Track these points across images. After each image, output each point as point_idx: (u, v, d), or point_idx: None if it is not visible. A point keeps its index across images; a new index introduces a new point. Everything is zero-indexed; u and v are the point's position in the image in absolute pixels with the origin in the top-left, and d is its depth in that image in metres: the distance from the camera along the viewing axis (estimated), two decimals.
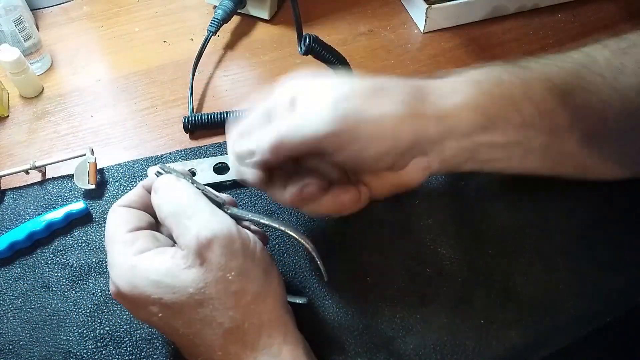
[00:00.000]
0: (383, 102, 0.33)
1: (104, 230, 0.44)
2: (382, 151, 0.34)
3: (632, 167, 0.42)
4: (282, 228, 0.35)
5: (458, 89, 0.36)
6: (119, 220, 0.34)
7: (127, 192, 0.47)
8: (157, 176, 0.35)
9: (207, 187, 0.35)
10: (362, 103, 0.33)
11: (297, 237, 0.35)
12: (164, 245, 0.33)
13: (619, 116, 0.38)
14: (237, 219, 0.35)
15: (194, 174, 0.47)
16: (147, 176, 0.47)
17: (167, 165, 0.36)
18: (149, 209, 0.35)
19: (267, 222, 0.35)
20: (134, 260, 0.31)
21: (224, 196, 0.36)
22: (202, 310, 0.30)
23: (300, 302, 0.38)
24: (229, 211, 0.35)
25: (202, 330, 0.31)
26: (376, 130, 0.33)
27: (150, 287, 0.30)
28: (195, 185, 0.34)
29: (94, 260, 0.43)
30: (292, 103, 0.34)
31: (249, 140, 0.35)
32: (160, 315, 0.31)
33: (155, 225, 0.36)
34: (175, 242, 0.33)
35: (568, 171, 0.41)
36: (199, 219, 0.31)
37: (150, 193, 0.35)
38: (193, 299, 0.30)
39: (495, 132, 0.37)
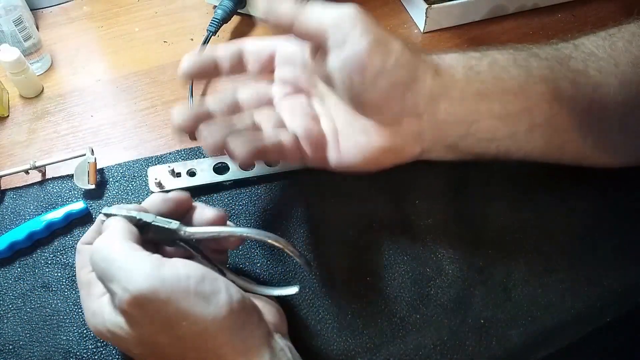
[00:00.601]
0: (384, 31, 0.35)
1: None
2: (383, 64, 0.34)
3: (636, 150, 0.41)
4: (245, 234, 0.35)
5: (449, 54, 0.37)
6: (82, 261, 0.35)
7: (127, 192, 0.47)
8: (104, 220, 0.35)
9: (158, 217, 0.34)
10: (366, 16, 0.35)
11: (264, 239, 0.35)
12: None
13: (616, 90, 0.37)
14: (196, 238, 0.35)
15: (193, 174, 0.47)
16: (148, 176, 0.47)
17: (118, 206, 0.35)
18: None
19: (228, 233, 0.35)
20: (94, 305, 0.33)
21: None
22: (156, 353, 0.31)
23: (292, 293, 0.36)
24: (185, 234, 0.34)
25: None
26: (381, 37, 0.34)
27: (108, 334, 0.32)
28: (142, 221, 0.34)
29: None
30: None
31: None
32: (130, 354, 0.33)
33: None
34: None
35: (572, 153, 0.40)
36: (119, 281, 0.30)
37: None
38: (144, 347, 0.31)
39: (492, 100, 0.36)
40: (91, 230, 0.37)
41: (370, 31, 0.34)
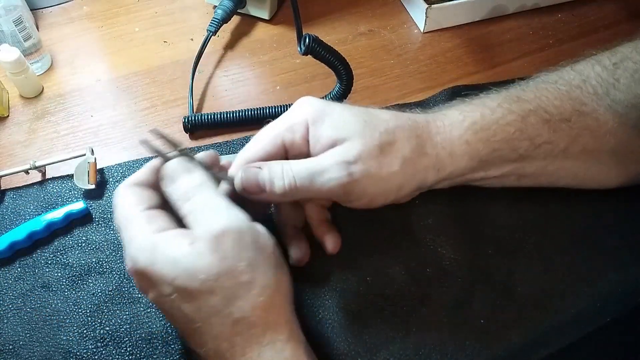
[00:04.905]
0: (391, 162, 0.37)
1: (104, 230, 0.45)
2: (386, 201, 0.38)
3: (628, 175, 0.42)
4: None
5: (456, 136, 0.39)
6: (133, 199, 0.34)
7: None
8: (160, 157, 0.35)
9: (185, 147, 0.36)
10: (371, 164, 0.36)
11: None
12: (179, 227, 0.33)
13: (613, 130, 0.39)
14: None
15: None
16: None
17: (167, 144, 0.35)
18: (158, 189, 0.36)
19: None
20: (154, 237, 0.32)
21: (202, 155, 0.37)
22: (213, 298, 0.31)
23: None
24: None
25: (210, 319, 0.31)
26: (384, 187, 0.37)
27: (168, 265, 0.31)
28: (191, 161, 0.35)
29: (94, 260, 0.43)
30: (306, 132, 0.37)
31: (261, 174, 0.36)
32: (172, 297, 0.31)
33: (166, 204, 0.36)
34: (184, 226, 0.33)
35: (565, 183, 0.43)
36: (211, 212, 0.32)
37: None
38: (205, 286, 0.31)
39: (490, 169, 0.40)
40: (141, 173, 0.36)
41: (371, 194, 0.37)
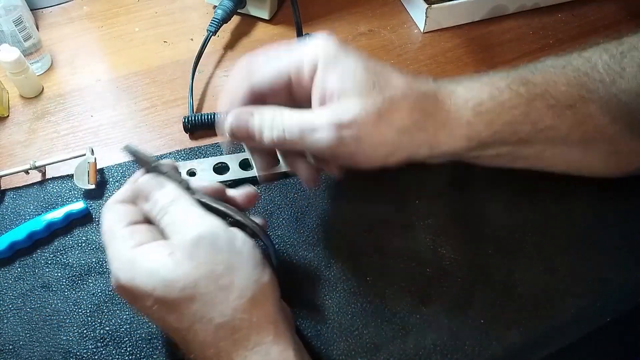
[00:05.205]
0: (386, 130, 0.36)
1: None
2: (372, 166, 0.37)
3: (625, 165, 0.42)
4: (231, 213, 0.36)
5: (459, 116, 0.38)
6: (116, 216, 0.34)
7: None
8: (134, 160, 0.35)
9: (161, 162, 0.35)
10: (365, 130, 0.35)
11: (244, 221, 0.36)
12: (161, 239, 0.33)
13: (614, 120, 0.39)
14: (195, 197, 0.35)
15: (193, 174, 0.47)
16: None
17: (141, 158, 0.35)
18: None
19: (221, 209, 0.36)
20: (133, 252, 0.32)
21: (195, 182, 0.37)
22: (193, 305, 0.31)
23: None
24: (194, 196, 0.35)
25: (193, 326, 0.31)
26: (372, 153, 0.37)
27: (146, 279, 0.31)
28: (167, 177, 0.35)
29: (94, 260, 0.43)
30: (313, 73, 0.36)
31: (251, 122, 0.36)
32: (154, 308, 0.32)
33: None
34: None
35: (559, 170, 0.43)
36: (186, 222, 0.33)
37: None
38: (184, 294, 0.31)
39: (487, 150, 0.40)
40: (124, 190, 0.36)
41: (360, 158, 0.36)
